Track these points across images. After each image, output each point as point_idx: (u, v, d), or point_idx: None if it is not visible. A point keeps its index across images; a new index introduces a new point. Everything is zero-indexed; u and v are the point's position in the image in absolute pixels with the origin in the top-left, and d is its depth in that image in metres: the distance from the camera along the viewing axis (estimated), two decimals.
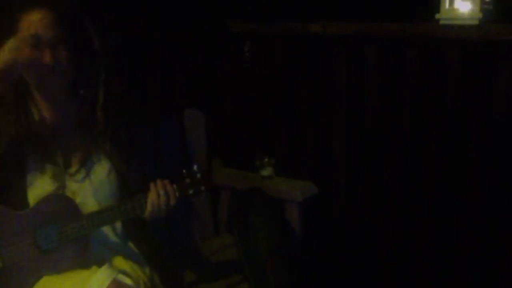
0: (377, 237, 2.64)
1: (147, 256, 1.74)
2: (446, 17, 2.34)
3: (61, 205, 1.59)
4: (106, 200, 1.68)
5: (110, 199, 1.69)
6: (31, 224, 1.57)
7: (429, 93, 2.41)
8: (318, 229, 2.58)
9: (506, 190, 2.27)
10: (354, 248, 2.70)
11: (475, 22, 2.29)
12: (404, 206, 2.54)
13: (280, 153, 2.77)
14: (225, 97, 2.96)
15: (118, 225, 1.72)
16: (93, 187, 1.67)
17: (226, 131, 2.94)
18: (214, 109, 2.77)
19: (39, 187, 1.61)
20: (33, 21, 1.56)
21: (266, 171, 2.45)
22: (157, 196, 1.64)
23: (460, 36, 2.29)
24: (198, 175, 1.71)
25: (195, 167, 1.72)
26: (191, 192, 1.70)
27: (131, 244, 1.74)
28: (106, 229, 1.69)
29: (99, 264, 1.56)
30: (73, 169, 1.66)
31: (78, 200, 1.63)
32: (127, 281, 1.52)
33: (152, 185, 1.65)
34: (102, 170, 1.69)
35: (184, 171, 1.70)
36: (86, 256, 1.62)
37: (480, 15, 2.29)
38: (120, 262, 1.65)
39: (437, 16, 2.36)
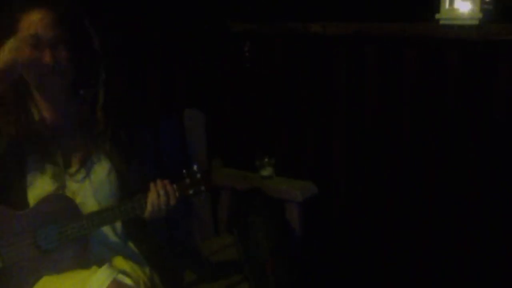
0: (377, 237, 2.64)
1: (147, 256, 1.74)
2: (446, 17, 2.34)
3: (61, 205, 1.59)
4: (106, 200, 1.68)
5: (110, 199, 1.69)
6: (31, 224, 1.57)
7: (429, 93, 2.41)
8: (318, 229, 2.58)
9: (506, 190, 2.27)
10: (354, 248, 2.70)
11: (475, 22, 2.29)
12: (404, 206, 2.54)
13: (280, 153, 2.77)
14: (225, 97, 2.96)
15: (118, 225, 1.72)
16: (93, 187, 1.67)
17: (226, 131, 2.94)
18: (214, 109, 2.77)
19: (39, 187, 1.61)
20: (33, 21, 1.56)
21: (266, 171, 2.45)
22: (157, 196, 1.64)
23: (460, 36, 2.29)
24: (198, 175, 1.71)
25: (195, 167, 1.72)
26: (191, 192, 1.70)
27: (131, 244, 1.74)
28: (106, 229, 1.69)
29: (99, 264, 1.56)
30: (73, 169, 1.66)
31: (78, 200, 1.63)
32: (127, 281, 1.52)
33: (152, 185, 1.65)
34: (102, 170, 1.69)
35: (184, 171, 1.70)
36: (86, 256, 1.62)
37: (480, 15, 2.29)
38: (120, 262, 1.65)
39: (437, 16, 2.36)
